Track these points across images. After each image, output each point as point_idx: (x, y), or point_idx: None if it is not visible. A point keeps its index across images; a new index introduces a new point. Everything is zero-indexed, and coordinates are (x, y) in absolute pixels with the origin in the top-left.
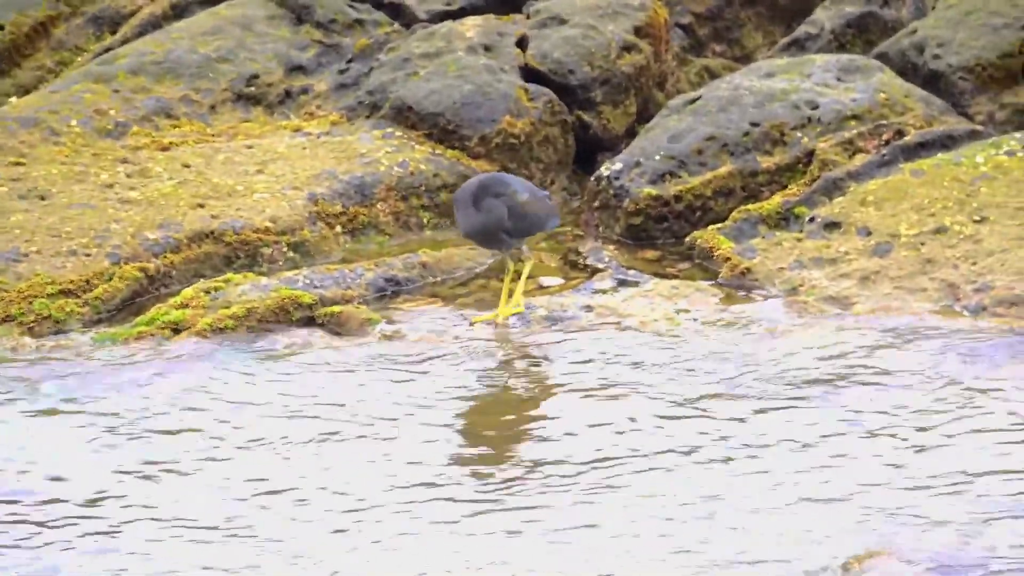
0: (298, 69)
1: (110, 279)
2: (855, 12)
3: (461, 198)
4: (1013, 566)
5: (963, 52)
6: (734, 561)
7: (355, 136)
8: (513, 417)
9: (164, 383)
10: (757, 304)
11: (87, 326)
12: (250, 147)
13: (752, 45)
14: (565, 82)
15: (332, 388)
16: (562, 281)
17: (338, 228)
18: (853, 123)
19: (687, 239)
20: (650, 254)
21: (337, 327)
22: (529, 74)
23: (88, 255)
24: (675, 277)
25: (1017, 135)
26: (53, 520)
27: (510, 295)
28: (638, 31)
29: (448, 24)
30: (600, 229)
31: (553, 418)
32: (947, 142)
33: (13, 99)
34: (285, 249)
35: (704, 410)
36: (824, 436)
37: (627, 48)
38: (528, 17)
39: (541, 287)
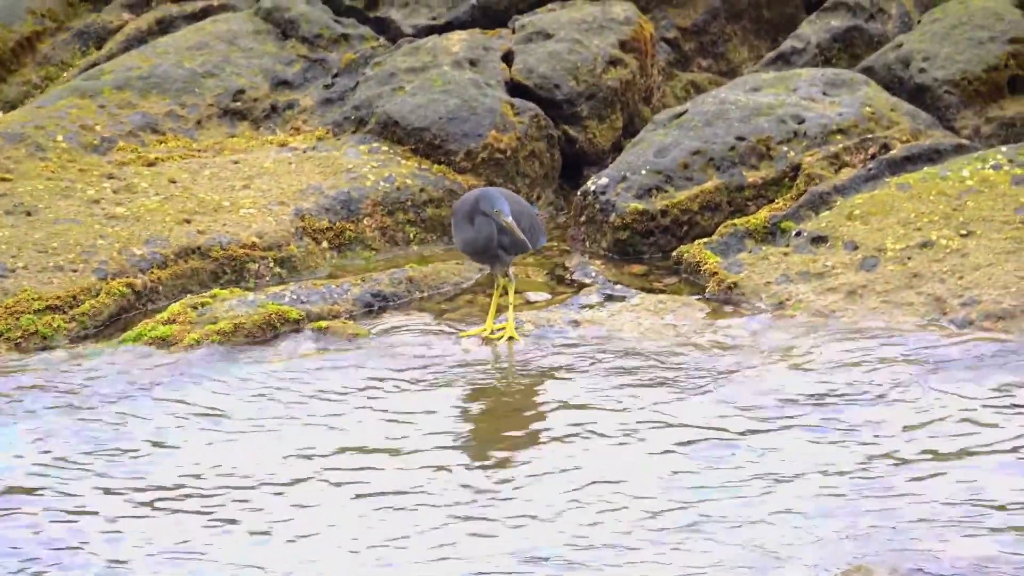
0: (284, 84)
1: (97, 295)
2: (841, 26)
3: (459, 212)
4: None
5: (949, 66)
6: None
7: (341, 151)
8: (507, 429)
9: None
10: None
11: (74, 342)
12: (236, 162)
13: (738, 59)
14: (551, 97)
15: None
16: (549, 296)
17: (324, 243)
18: (839, 137)
19: (674, 254)
20: (637, 269)
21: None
22: (515, 89)
23: (75, 271)
24: (662, 292)
25: (1003, 149)
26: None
27: (499, 311)
28: (624, 45)
29: (434, 39)
30: (587, 244)
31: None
32: (933, 156)
33: None
34: (272, 264)
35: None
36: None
37: (613, 63)
38: (514, 32)
39: (528, 302)
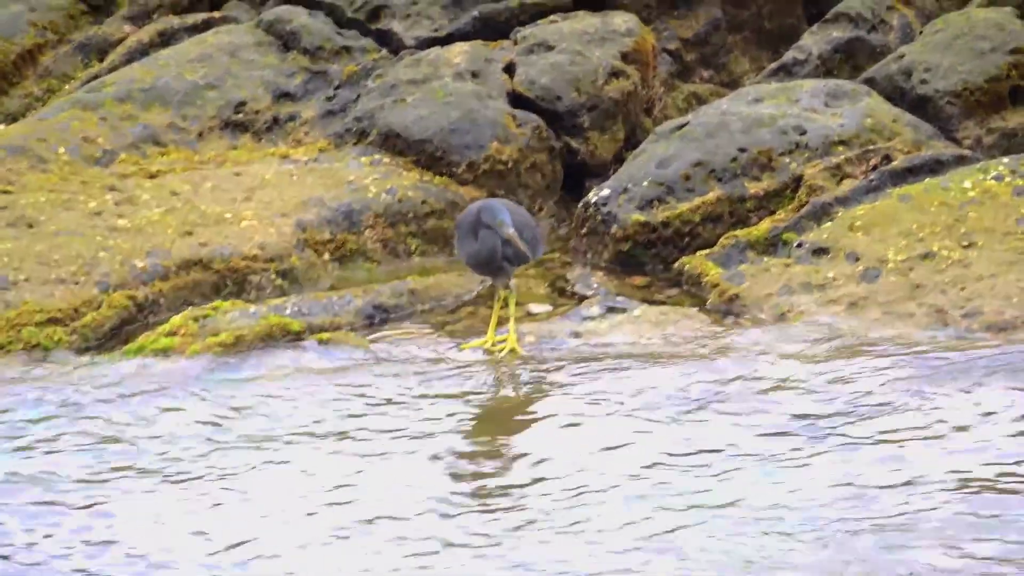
0: (285, 96)
1: (99, 307)
2: (842, 37)
3: (462, 225)
4: None
5: (950, 77)
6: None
7: (343, 163)
8: (505, 439)
9: None
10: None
11: (76, 354)
12: (238, 174)
13: (739, 71)
14: (552, 108)
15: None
16: (550, 308)
17: (326, 255)
18: (841, 148)
19: (675, 265)
20: (638, 280)
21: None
22: (516, 100)
23: (77, 283)
24: (663, 303)
25: (1005, 159)
26: None
27: (501, 323)
28: (625, 57)
29: (435, 50)
30: (588, 255)
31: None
32: (935, 167)
33: (0, 127)
34: (273, 276)
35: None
36: None
37: (614, 74)
38: (515, 43)
39: (530, 314)
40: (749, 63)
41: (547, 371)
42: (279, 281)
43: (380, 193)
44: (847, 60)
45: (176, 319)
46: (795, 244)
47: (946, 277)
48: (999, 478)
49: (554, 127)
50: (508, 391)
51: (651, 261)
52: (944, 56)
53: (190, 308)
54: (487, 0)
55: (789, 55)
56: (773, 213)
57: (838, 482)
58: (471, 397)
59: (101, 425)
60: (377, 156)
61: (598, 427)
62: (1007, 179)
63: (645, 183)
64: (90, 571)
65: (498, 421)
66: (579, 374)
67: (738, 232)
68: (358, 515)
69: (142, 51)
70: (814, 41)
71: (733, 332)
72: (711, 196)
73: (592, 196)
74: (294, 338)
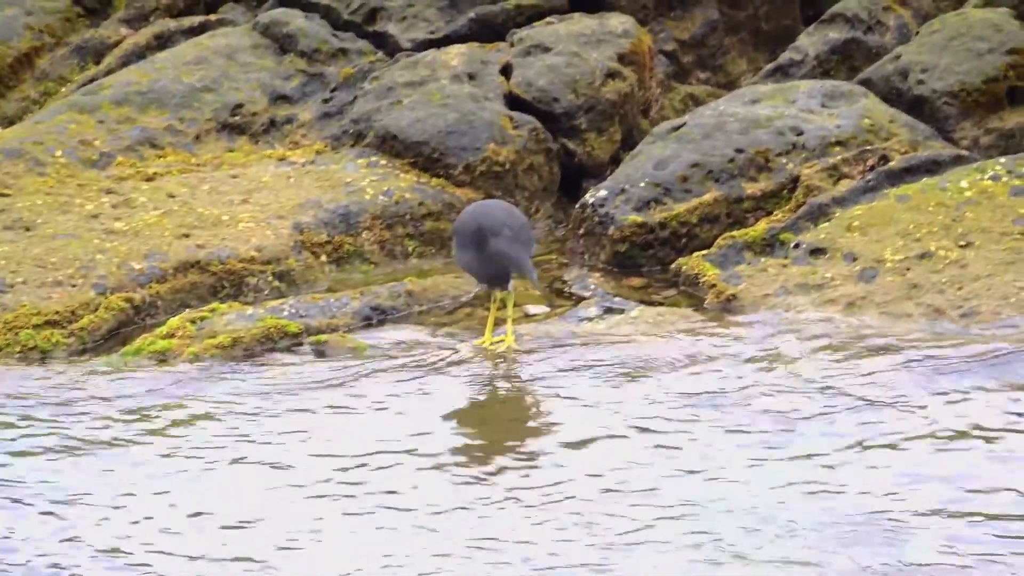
0: (282, 98)
1: (96, 309)
2: (839, 38)
3: (463, 234)
4: None
5: (947, 77)
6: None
7: (340, 165)
8: (504, 440)
9: None
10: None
11: (73, 356)
12: (235, 177)
13: (736, 72)
14: (549, 110)
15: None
16: (548, 309)
17: (323, 257)
18: (838, 149)
19: (672, 266)
20: (636, 281)
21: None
22: (513, 102)
23: (74, 285)
24: (660, 304)
25: (1002, 160)
26: None
27: (497, 323)
28: (622, 58)
29: (432, 53)
30: (585, 257)
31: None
32: (932, 167)
33: None
34: (271, 278)
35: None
36: None
37: (611, 75)
38: (512, 45)
39: (527, 315)
40: (746, 64)
41: (542, 368)
42: (276, 283)
43: (377, 195)
44: (844, 61)
45: (173, 321)
46: (792, 245)
47: (943, 277)
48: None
49: (551, 129)
50: (503, 389)
51: (648, 262)
52: (941, 57)
53: (187, 310)
54: (483, 2)
55: (786, 56)
56: (770, 214)
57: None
58: (465, 396)
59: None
60: (374, 158)
61: (594, 422)
62: (1004, 179)
63: (642, 184)
64: None
65: (494, 420)
66: (574, 370)
67: (735, 233)
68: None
69: (139, 54)
70: (811, 42)
71: (729, 331)
72: (708, 197)
73: (589, 197)
74: (292, 340)
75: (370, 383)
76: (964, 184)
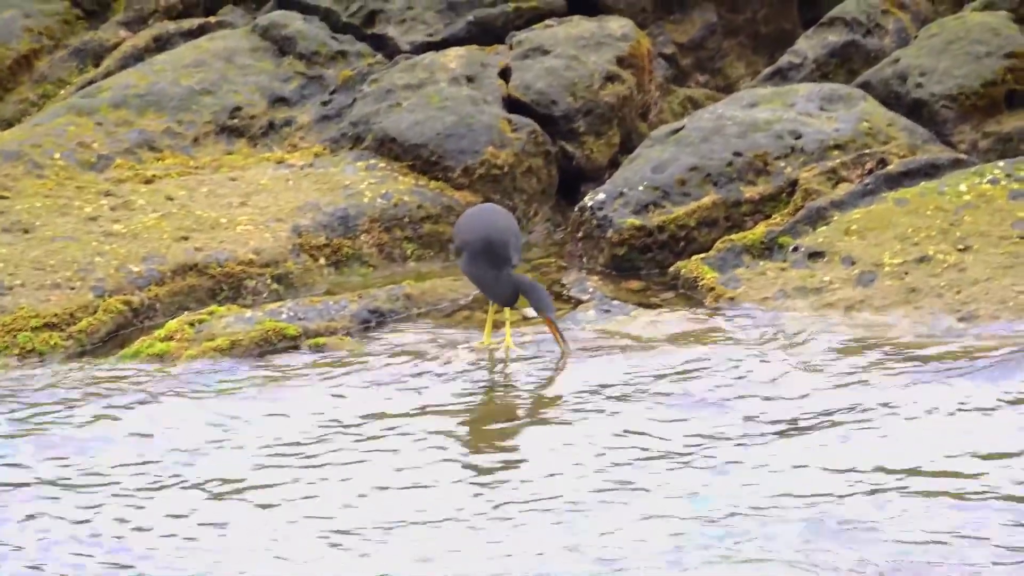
0: (281, 101)
1: (94, 312)
2: (838, 42)
3: (471, 245)
4: None
5: (946, 81)
6: None
7: (338, 168)
8: (501, 440)
9: None
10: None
11: (71, 359)
12: (233, 179)
13: (735, 75)
14: (548, 113)
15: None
16: None
17: (322, 260)
18: (836, 152)
19: (671, 269)
20: (634, 284)
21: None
22: (512, 105)
23: (72, 288)
24: (659, 307)
25: (1000, 163)
26: None
27: (496, 327)
28: (621, 61)
29: (431, 55)
30: (584, 260)
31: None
32: (930, 171)
33: None
34: (269, 281)
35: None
36: None
37: (610, 78)
38: (511, 48)
39: (525, 318)
40: (745, 67)
41: (540, 370)
42: (275, 286)
43: (376, 198)
44: (842, 64)
45: (172, 324)
46: (791, 248)
47: (942, 281)
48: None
49: (550, 132)
50: (501, 391)
51: (647, 265)
52: (939, 60)
53: (186, 313)
54: (482, 5)
55: (784, 59)
56: (769, 217)
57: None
58: (463, 397)
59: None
60: (373, 161)
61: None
62: (1003, 183)
63: (641, 187)
64: None
65: (490, 420)
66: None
67: (734, 236)
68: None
69: (137, 56)
70: (809, 45)
71: (725, 334)
72: (707, 200)
73: (588, 200)
74: (290, 343)
75: (368, 382)
76: (962, 188)
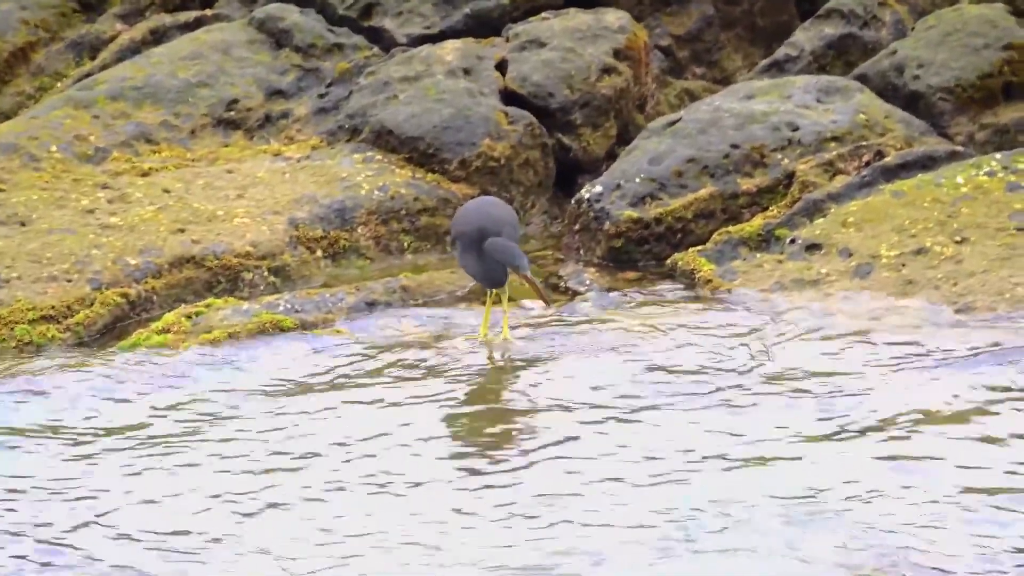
0: (278, 93)
1: (91, 304)
2: (835, 34)
3: (464, 236)
4: None
5: (943, 73)
6: None
7: (335, 160)
8: (498, 428)
9: None
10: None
11: (68, 351)
12: (230, 172)
13: (732, 67)
14: (545, 105)
15: None
16: (544, 304)
17: (319, 252)
18: (833, 144)
19: (668, 261)
20: (631, 275)
21: None
22: (509, 97)
23: (69, 281)
24: (656, 299)
25: (997, 155)
26: None
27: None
28: (618, 54)
29: (427, 48)
30: (581, 252)
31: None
32: (928, 163)
33: None
34: (266, 274)
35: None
36: None
37: (607, 71)
38: (507, 40)
39: (523, 309)
40: (742, 59)
41: (537, 359)
42: (272, 278)
43: (372, 190)
44: (839, 56)
45: (169, 316)
46: (788, 240)
47: (939, 273)
48: None
49: (546, 124)
50: (498, 380)
51: (644, 257)
52: (937, 52)
53: (183, 305)
54: None
55: (781, 51)
56: (766, 209)
57: None
58: (459, 385)
59: None
60: (370, 153)
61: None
62: (1000, 175)
63: (638, 179)
64: None
65: (488, 409)
66: (569, 361)
67: (731, 228)
68: None
69: (134, 49)
70: (806, 37)
71: (722, 324)
72: (704, 192)
73: (585, 193)
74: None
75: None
76: (960, 180)
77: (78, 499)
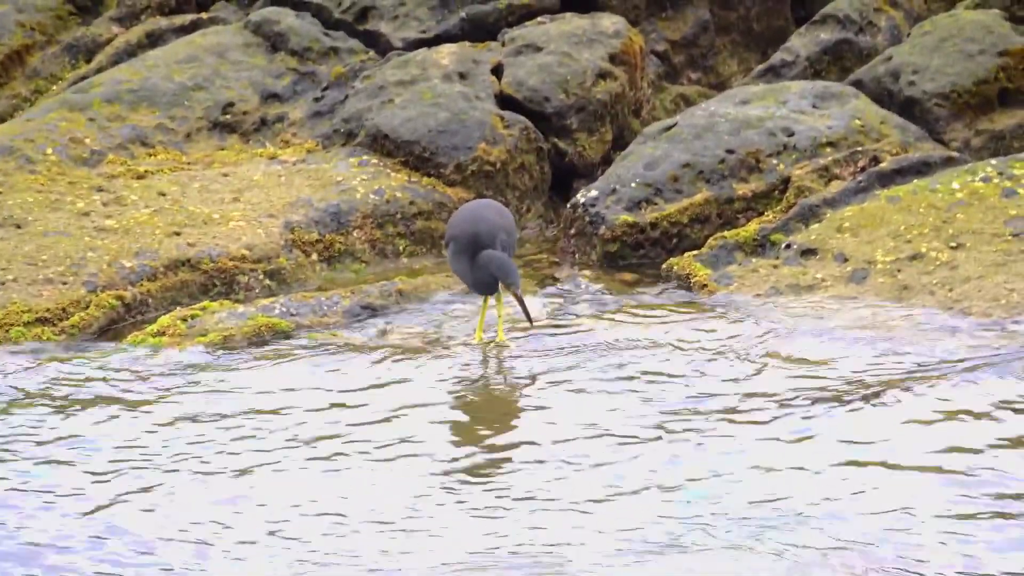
0: (273, 97)
1: (86, 307)
2: (830, 39)
3: (459, 240)
4: None
5: (938, 79)
6: None
7: (331, 164)
8: (491, 429)
9: None
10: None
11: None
12: (226, 175)
13: (727, 72)
14: (540, 109)
15: None
16: (540, 307)
17: (314, 256)
18: (829, 150)
19: (664, 266)
20: (627, 276)
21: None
22: (504, 102)
23: (64, 283)
24: (650, 304)
25: (993, 161)
26: None
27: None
28: (613, 59)
29: (423, 52)
30: (576, 256)
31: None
32: (923, 168)
33: None
34: (261, 277)
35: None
36: None
37: (602, 75)
38: (503, 45)
39: (518, 312)
40: (737, 65)
41: (532, 362)
42: (267, 282)
43: (368, 194)
44: (835, 62)
45: (164, 319)
46: (783, 245)
47: (934, 278)
48: None
49: (542, 129)
50: (492, 382)
51: (639, 262)
52: (932, 58)
53: (178, 308)
54: (475, 1)
55: (777, 57)
56: (761, 214)
57: None
58: (454, 387)
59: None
60: (365, 157)
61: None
62: (995, 181)
63: (633, 184)
64: None
65: (482, 410)
66: (564, 364)
67: (726, 233)
68: None
69: (130, 52)
70: (802, 43)
71: (717, 329)
72: (699, 197)
73: (580, 197)
74: (282, 338)
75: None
76: (955, 185)
77: None
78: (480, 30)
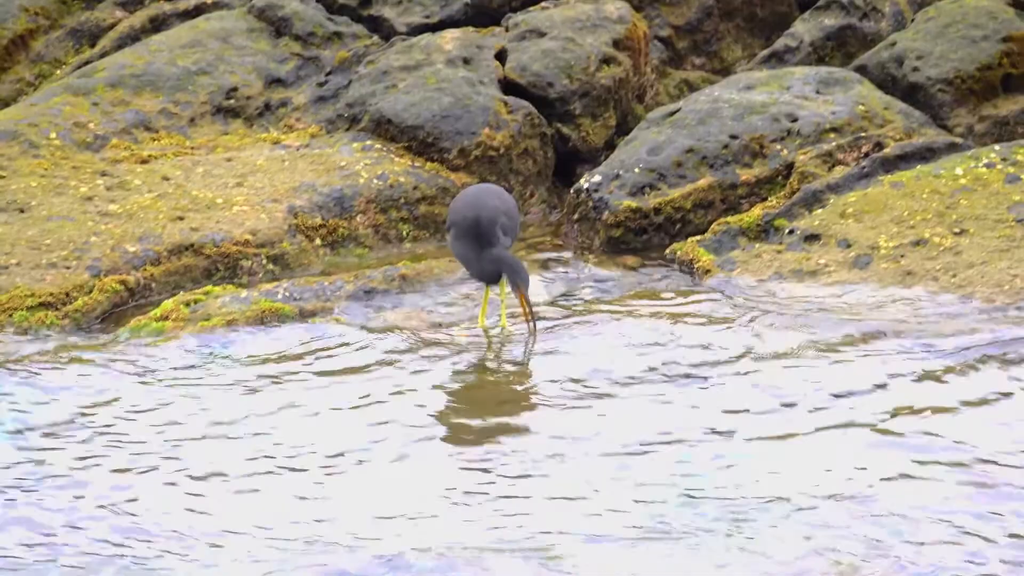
0: (277, 82)
1: (90, 291)
2: (834, 25)
3: (459, 225)
4: None
5: (942, 64)
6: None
7: (334, 149)
8: (494, 417)
9: None
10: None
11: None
12: (229, 160)
13: (731, 58)
14: (544, 95)
15: None
16: (545, 293)
17: (318, 241)
18: (832, 135)
19: (667, 251)
20: (630, 260)
21: None
22: (508, 87)
23: (68, 267)
24: (654, 288)
25: (996, 147)
26: None
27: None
28: (617, 44)
29: (427, 37)
30: (580, 241)
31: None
32: (926, 154)
33: None
34: (265, 261)
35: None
36: None
37: (606, 61)
38: (507, 30)
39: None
40: (741, 50)
41: (535, 346)
42: (270, 266)
43: (371, 179)
44: (839, 47)
45: (167, 303)
46: (787, 231)
47: (938, 264)
48: None
49: (546, 114)
50: (496, 368)
51: (642, 247)
52: (936, 44)
53: (181, 293)
54: None
55: (781, 42)
56: (764, 200)
57: None
58: (457, 374)
59: None
60: (368, 142)
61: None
62: (999, 167)
63: (636, 169)
64: None
65: (484, 397)
66: (566, 349)
67: (729, 218)
68: None
69: (133, 37)
70: (806, 28)
71: (722, 316)
72: (702, 183)
73: (584, 182)
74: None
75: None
76: (959, 171)
77: None
78: (484, 15)
